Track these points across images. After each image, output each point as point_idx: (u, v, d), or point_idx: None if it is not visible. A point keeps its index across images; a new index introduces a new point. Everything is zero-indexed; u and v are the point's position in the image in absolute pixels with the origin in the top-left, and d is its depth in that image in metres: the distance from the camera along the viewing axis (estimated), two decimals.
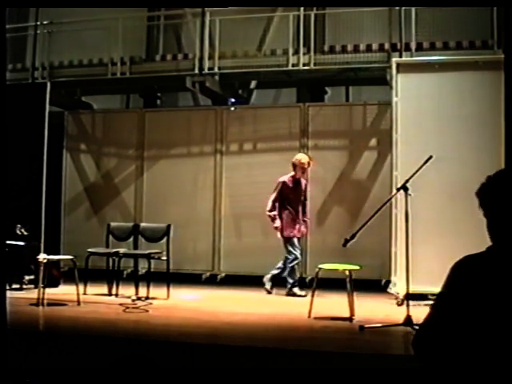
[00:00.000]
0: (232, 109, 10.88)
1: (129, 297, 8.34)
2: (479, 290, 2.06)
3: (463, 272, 2.13)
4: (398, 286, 7.91)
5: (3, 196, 5.21)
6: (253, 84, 11.76)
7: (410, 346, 2.19)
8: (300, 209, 9.02)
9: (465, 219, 6.91)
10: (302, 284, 9.41)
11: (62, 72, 11.33)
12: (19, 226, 9.29)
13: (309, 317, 6.98)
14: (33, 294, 8.06)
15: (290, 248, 8.82)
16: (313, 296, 7.02)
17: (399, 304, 7.64)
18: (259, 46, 11.25)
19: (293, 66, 10.38)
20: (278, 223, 8.85)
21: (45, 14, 11.24)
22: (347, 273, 7.11)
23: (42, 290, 7.67)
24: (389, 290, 8.32)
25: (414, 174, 6.59)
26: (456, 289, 2.12)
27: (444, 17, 9.62)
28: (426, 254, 7.64)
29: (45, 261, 8.04)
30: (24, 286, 8.97)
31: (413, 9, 9.67)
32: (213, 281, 10.43)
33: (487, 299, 2.04)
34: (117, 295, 8.56)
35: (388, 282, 8.57)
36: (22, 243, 9.12)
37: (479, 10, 9.32)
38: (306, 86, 11.27)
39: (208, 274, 10.57)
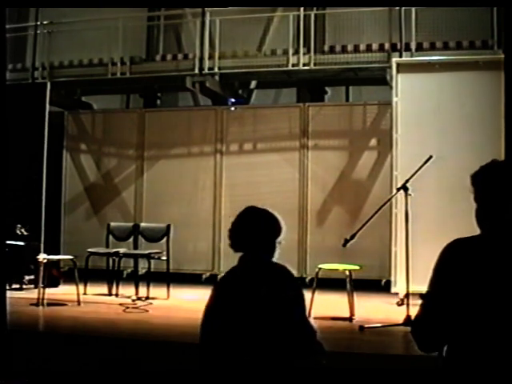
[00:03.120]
0: (232, 109, 10.87)
1: (129, 297, 8.34)
2: (470, 271, 2.09)
3: (454, 255, 2.16)
4: (398, 286, 7.92)
5: (3, 196, 5.21)
6: (253, 84, 11.76)
7: (410, 335, 2.21)
8: None
9: (464, 219, 6.90)
10: (302, 284, 9.39)
11: (62, 72, 11.32)
12: (19, 225, 9.29)
13: (308, 316, 6.97)
14: (33, 293, 8.06)
15: None
16: (313, 296, 7.01)
17: (399, 304, 7.65)
18: (259, 46, 11.25)
19: (293, 65, 10.38)
20: None
21: (45, 14, 11.24)
22: (347, 273, 7.11)
23: (41, 290, 7.68)
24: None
25: (414, 173, 6.60)
26: (447, 271, 2.15)
27: (444, 17, 9.62)
28: (425, 254, 7.63)
29: (45, 261, 8.04)
30: (24, 286, 8.97)
31: (413, 9, 9.66)
32: (213, 281, 10.41)
33: (478, 280, 2.07)
34: (117, 295, 8.57)
35: (388, 281, 8.57)
36: (21, 243, 9.12)
37: (479, 10, 9.32)
38: (306, 86, 11.27)
39: (208, 274, 10.57)
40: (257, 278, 2.79)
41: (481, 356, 2.05)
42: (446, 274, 2.15)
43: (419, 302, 2.25)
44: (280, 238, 3.01)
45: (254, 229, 2.92)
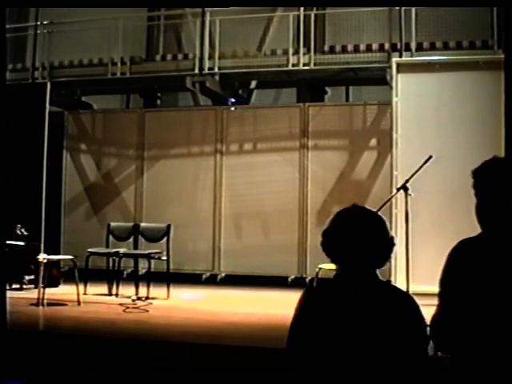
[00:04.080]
0: (232, 109, 10.87)
1: (129, 297, 8.34)
2: (478, 270, 2.11)
3: (462, 255, 2.17)
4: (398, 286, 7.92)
5: (3, 196, 5.21)
6: (253, 84, 11.76)
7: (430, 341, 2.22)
8: None
9: (464, 219, 6.92)
10: (302, 284, 9.40)
11: (62, 72, 11.33)
12: (19, 225, 9.29)
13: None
14: (33, 293, 8.06)
15: None
16: None
17: None
18: (259, 46, 11.25)
19: (293, 65, 10.38)
20: None
21: (45, 14, 11.24)
22: None
23: (42, 290, 7.68)
24: None
25: (414, 173, 6.60)
26: (457, 272, 2.16)
27: (444, 17, 9.62)
28: (425, 254, 7.64)
29: (45, 261, 8.04)
30: (24, 286, 8.97)
31: (413, 9, 9.66)
32: (213, 281, 10.42)
33: (486, 279, 2.08)
34: (117, 295, 8.56)
35: (388, 282, 8.57)
36: (22, 243, 9.12)
37: (479, 10, 9.32)
38: (306, 86, 11.27)
39: (208, 274, 10.57)
40: (368, 299, 2.24)
41: (491, 355, 2.06)
42: (457, 275, 2.16)
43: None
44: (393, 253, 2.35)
45: (373, 235, 2.29)
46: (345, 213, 2.38)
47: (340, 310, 2.26)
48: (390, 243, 2.31)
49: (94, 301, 8.12)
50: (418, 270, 7.17)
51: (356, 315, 2.23)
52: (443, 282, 2.20)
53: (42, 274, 7.91)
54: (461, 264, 2.16)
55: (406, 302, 2.28)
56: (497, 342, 2.06)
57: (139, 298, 8.27)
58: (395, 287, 2.40)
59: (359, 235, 2.29)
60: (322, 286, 2.51)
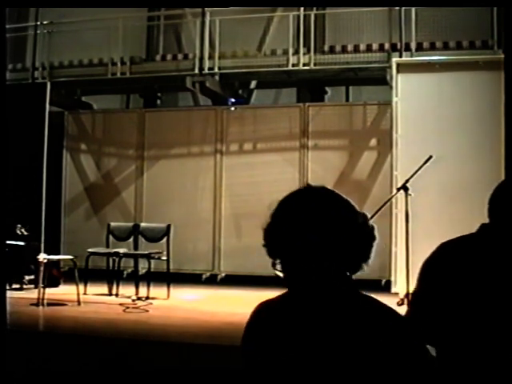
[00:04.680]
0: (232, 109, 10.87)
1: (129, 297, 8.34)
2: (456, 272, 2.12)
3: (439, 256, 2.19)
4: (398, 286, 7.92)
5: (3, 196, 5.21)
6: (253, 84, 11.77)
7: None
8: None
9: (464, 219, 6.93)
10: None
11: (62, 72, 11.33)
12: (19, 225, 9.29)
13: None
14: (33, 293, 8.06)
15: None
16: None
17: (399, 304, 7.64)
18: (259, 46, 11.25)
19: (293, 65, 10.38)
20: None
21: (45, 14, 11.25)
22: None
23: (42, 289, 7.68)
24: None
25: (414, 173, 6.60)
26: (433, 272, 2.18)
27: (444, 17, 9.62)
28: (425, 254, 7.63)
29: (45, 261, 8.04)
30: (24, 286, 8.97)
31: (413, 9, 9.67)
32: (213, 281, 10.42)
33: (464, 280, 2.09)
34: (117, 295, 8.57)
35: (388, 281, 8.57)
36: (22, 243, 9.12)
37: (479, 10, 9.32)
38: (306, 86, 11.28)
39: (208, 274, 10.57)
40: (344, 323, 1.56)
41: (469, 356, 2.06)
42: (432, 275, 2.18)
43: None
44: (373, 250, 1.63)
45: (335, 217, 1.59)
46: (290, 195, 1.76)
47: (301, 336, 1.59)
48: (366, 234, 1.65)
49: (93, 301, 8.13)
50: (417, 270, 7.16)
51: (323, 345, 1.54)
52: (419, 282, 2.22)
53: (41, 274, 7.91)
54: (440, 265, 2.18)
55: (406, 332, 1.57)
56: (475, 345, 2.06)
57: (139, 298, 8.27)
58: (386, 307, 1.61)
59: (312, 215, 1.60)
60: (276, 303, 1.79)
